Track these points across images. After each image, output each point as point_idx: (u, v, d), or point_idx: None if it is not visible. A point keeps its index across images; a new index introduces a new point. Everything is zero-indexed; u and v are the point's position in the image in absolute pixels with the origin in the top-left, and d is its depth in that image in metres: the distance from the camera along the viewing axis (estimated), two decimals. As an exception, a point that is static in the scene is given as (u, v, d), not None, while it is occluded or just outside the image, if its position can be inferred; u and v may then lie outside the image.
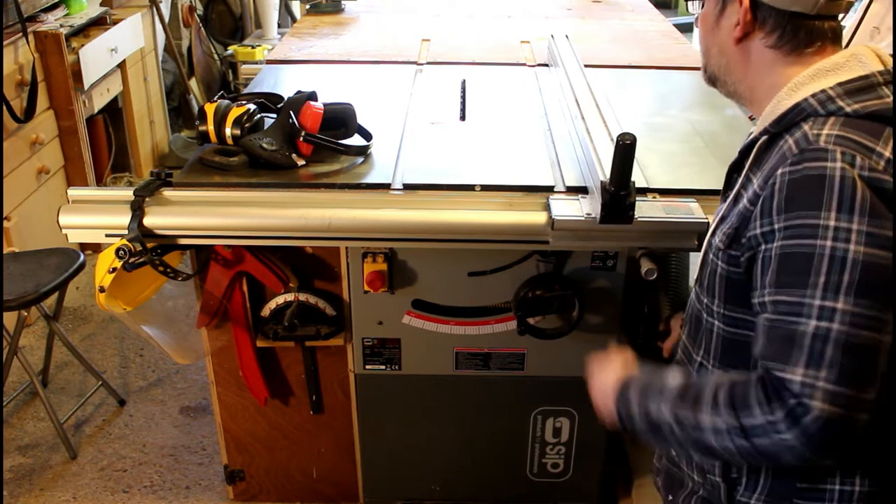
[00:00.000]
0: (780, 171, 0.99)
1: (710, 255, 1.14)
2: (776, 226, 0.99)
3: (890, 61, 1.06)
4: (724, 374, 1.07)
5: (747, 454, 0.98)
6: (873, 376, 0.93)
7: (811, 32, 1.07)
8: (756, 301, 1.02)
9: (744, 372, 1.04)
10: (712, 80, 1.21)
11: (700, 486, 1.23)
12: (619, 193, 1.50)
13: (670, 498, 1.31)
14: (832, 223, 0.94)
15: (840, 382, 0.92)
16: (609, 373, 1.21)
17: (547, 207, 1.64)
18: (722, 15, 1.13)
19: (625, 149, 1.44)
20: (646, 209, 1.59)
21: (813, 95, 1.03)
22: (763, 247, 1.01)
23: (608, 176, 1.51)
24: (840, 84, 1.02)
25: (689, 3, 1.21)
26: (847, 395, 0.92)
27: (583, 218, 1.59)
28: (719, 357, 1.17)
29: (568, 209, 1.62)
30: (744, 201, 1.06)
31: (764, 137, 1.08)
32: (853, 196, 0.94)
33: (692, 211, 1.61)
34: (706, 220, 1.57)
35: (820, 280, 0.93)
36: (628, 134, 1.43)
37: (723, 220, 1.12)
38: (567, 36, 2.52)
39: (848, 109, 1.00)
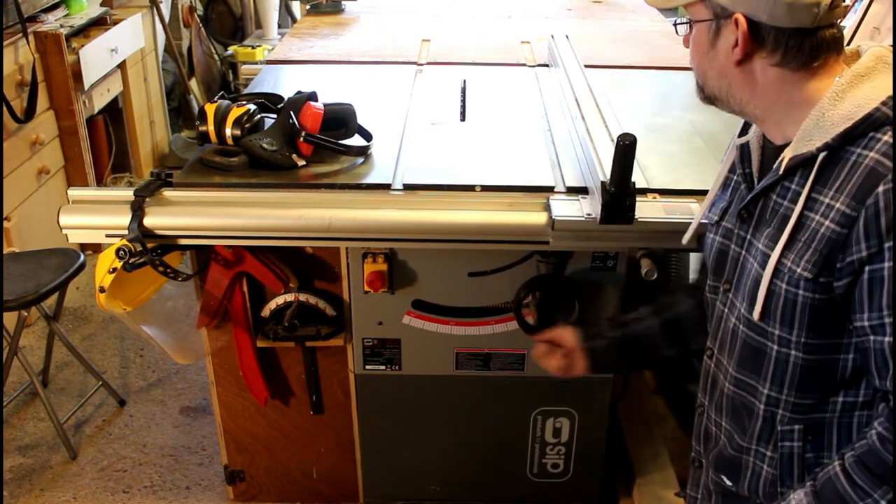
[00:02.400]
0: (881, 190, 0.96)
1: (783, 285, 1.08)
2: (886, 244, 0.96)
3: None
4: (841, 458, 1.06)
5: None
6: None
7: (814, 46, 1.05)
8: (867, 324, 1.01)
9: (855, 444, 1.05)
10: (711, 100, 1.17)
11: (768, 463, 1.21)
12: (619, 194, 1.50)
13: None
14: None
15: None
16: None
17: (547, 208, 1.64)
18: (717, 38, 1.09)
19: (625, 149, 1.44)
20: (646, 209, 1.59)
21: (884, 104, 0.99)
22: (868, 268, 0.99)
23: (608, 176, 1.51)
24: None
25: (677, 27, 1.17)
26: None
27: (583, 218, 1.59)
28: (796, 386, 1.13)
29: (568, 209, 1.62)
30: (827, 224, 1.01)
31: (824, 154, 1.03)
32: None
33: (692, 211, 1.61)
34: (706, 221, 1.57)
35: None
36: (628, 134, 1.43)
37: (790, 247, 1.07)
38: (567, 36, 2.52)
39: None
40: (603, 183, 1.51)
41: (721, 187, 1.27)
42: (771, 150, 1.15)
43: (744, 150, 1.21)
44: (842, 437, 1.13)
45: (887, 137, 0.98)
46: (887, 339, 0.99)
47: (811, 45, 1.05)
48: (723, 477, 1.27)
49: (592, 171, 1.63)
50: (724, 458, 1.27)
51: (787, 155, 1.08)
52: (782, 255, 1.08)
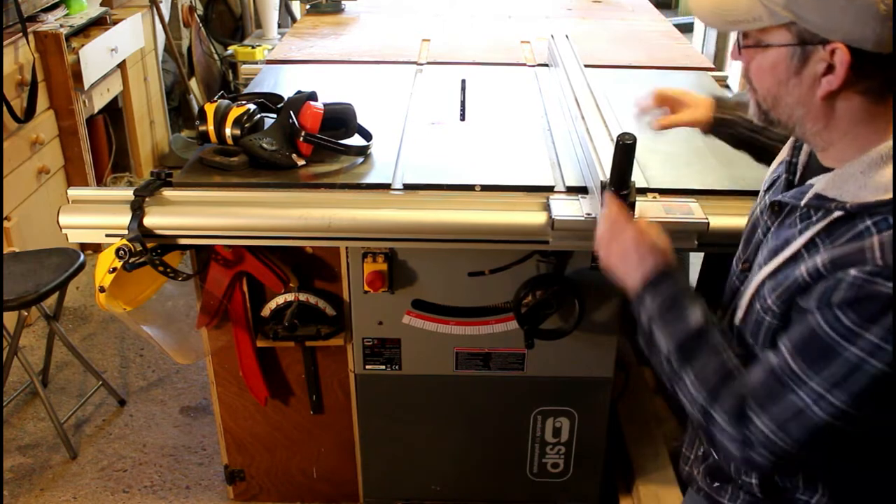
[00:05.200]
0: (854, 273, 0.92)
1: (758, 307, 1.09)
2: (827, 312, 0.95)
3: None
4: (728, 355, 1.09)
5: (699, 426, 1.09)
6: (828, 452, 1.03)
7: None
8: (778, 340, 1.02)
9: (738, 366, 1.08)
10: (772, 123, 1.08)
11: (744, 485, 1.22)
12: (619, 193, 1.50)
13: (715, 485, 1.28)
14: (874, 339, 0.92)
15: (795, 448, 1.00)
16: (643, 260, 1.20)
17: (547, 207, 1.64)
18: (803, 66, 0.97)
19: (625, 148, 1.44)
20: (646, 209, 1.59)
21: None
22: (807, 308, 0.99)
23: (608, 176, 1.51)
24: None
25: (740, 48, 1.04)
26: (796, 456, 1.01)
27: (583, 218, 1.59)
28: None
29: (568, 209, 1.62)
30: (803, 269, 0.99)
31: (840, 213, 0.99)
32: None
33: (692, 211, 1.60)
34: (706, 221, 1.57)
35: (835, 375, 0.95)
36: (628, 134, 1.42)
37: (774, 275, 1.06)
38: (567, 36, 2.52)
39: None
40: (603, 182, 1.51)
41: (778, 161, 1.23)
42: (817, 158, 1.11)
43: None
44: None
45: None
46: (776, 358, 1.01)
47: None
48: (712, 449, 1.28)
49: (592, 170, 1.63)
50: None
51: (815, 190, 1.04)
52: (766, 279, 1.08)
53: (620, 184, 1.48)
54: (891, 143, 0.97)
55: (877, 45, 0.91)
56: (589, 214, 1.59)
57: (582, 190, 1.70)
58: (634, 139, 1.42)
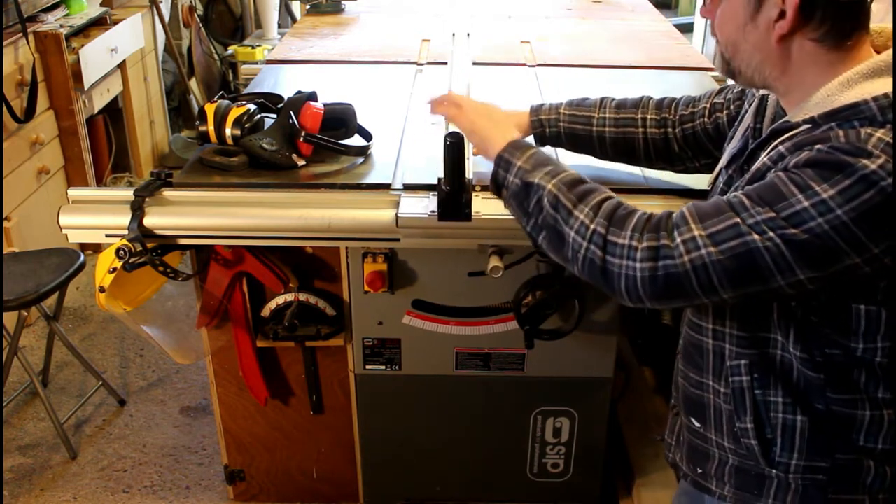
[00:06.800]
0: (818, 146, 0.98)
1: None
2: (787, 172, 1.00)
3: None
4: (618, 198, 1.16)
5: (589, 263, 1.10)
6: (740, 285, 1.02)
7: (855, 21, 1.03)
8: (734, 192, 1.06)
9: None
10: (733, 75, 1.14)
11: (731, 455, 1.22)
12: (454, 191, 1.53)
13: (699, 471, 1.29)
14: (824, 195, 0.96)
15: (716, 263, 1.01)
16: (503, 129, 1.34)
17: (396, 205, 1.65)
18: (758, 11, 1.04)
19: (452, 147, 1.48)
20: (489, 207, 1.59)
21: (875, 99, 0.99)
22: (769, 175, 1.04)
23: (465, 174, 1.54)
24: None
25: (702, 4, 1.13)
26: (709, 274, 1.02)
27: (426, 216, 1.60)
28: (736, 318, 1.16)
29: (414, 207, 1.63)
30: (765, 159, 1.06)
31: (807, 126, 1.04)
32: (864, 195, 0.94)
33: None
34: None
35: (777, 215, 0.98)
36: (455, 133, 1.48)
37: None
38: (468, 34, 2.49)
39: None
40: (439, 179, 1.54)
41: (741, 133, 1.26)
42: (782, 115, 1.16)
43: (762, 102, 1.21)
44: (785, 375, 1.14)
45: (862, 128, 0.98)
46: (726, 197, 1.05)
47: (852, 20, 1.03)
48: (692, 419, 1.29)
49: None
50: (689, 399, 1.28)
51: (785, 118, 1.09)
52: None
53: (454, 181, 1.53)
54: (847, 74, 1.03)
55: None
56: (433, 212, 1.60)
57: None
58: (461, 137, 1.49)
